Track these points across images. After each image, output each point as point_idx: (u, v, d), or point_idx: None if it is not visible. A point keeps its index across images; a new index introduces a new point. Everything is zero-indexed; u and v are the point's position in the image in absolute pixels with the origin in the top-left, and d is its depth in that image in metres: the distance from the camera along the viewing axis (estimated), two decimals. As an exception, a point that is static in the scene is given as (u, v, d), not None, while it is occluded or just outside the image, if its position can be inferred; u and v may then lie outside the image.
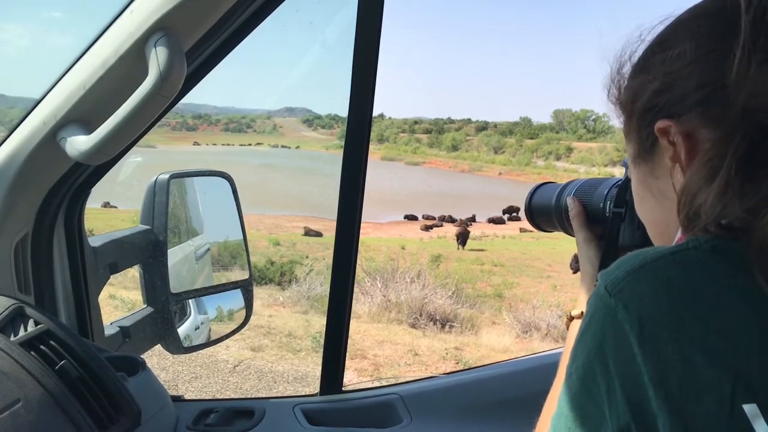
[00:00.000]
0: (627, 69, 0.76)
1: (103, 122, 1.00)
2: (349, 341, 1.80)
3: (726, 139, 0.61)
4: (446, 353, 8.83)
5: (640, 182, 0.79)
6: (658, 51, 0.71)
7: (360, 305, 11.47)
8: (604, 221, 1.02)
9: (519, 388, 1.68)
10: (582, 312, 1.03)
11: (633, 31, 0.75)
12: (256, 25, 1.25)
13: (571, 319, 1.07)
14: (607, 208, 1.01)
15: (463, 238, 27.14)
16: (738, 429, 0.52)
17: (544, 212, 1.20)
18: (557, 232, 1.21)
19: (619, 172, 1.02)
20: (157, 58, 0.95)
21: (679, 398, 0.53)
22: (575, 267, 1.13)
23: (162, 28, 0.96)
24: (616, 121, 0.79)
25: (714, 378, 0.53)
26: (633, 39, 0.75)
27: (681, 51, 0.67)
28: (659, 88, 0.69)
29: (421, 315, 11.16)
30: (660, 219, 0.77)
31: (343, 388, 1.77)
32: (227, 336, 1.86)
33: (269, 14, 1.24)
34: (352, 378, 7.27)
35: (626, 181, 0.96)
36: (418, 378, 1.83)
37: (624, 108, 0.77)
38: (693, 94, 0.65)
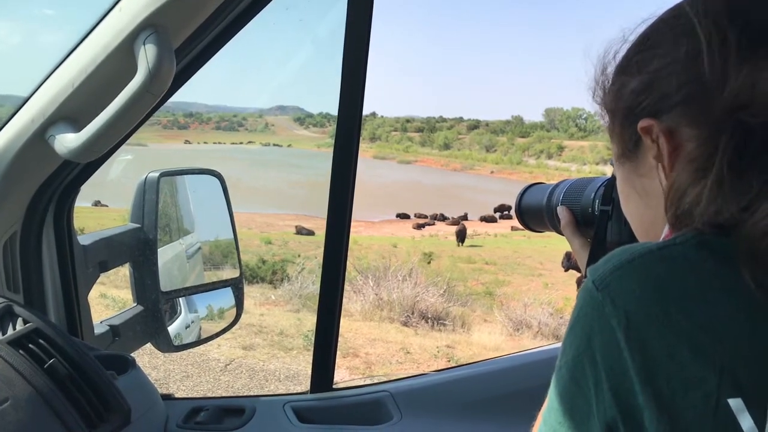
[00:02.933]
0: (611, 69, 0.77)
1: (92, 120, 0.99)
2: (341, 339, 1.79)
3: (711, 138, 0.62)
4: (438, 351, 8.84)
5: (624, 181, 0.80)
6: (639, 51, 0.72)
7: (352, 303, 11.47)
8: (594, 222, 1.03)
9: (509, 385, 1.69)
10: None
11: (616, 31, 0.76)
12: (246, 23, 1.25)
13: None
14: (596, 207, 1.02)
15: (461, 235, 28.06)
16: (723, 423, 0.52)
17: (534, 213, 1.21)
18: (548, 231, 1.21)
19: (611, 170, 1.03)
20: (146, 55, 0.95)
21: (665, 393, 0.54)
22: (566, 265, 1.14)
23: (151, 26, 0.96)
24: (604, 120, 0.80)
25: (700, 373, 0.54)
26: (616, 39, 0.76)
27: (661, 51, 0.68)
28: (641, 87, 0.70)
29: (413, 313, 11.17)
30: (645, 217, 0.78)
31: (333, 386, 1.77)
32: (218, 334, 1.85)
33: (259, 12, 1.23)
34: (344, 376, 7.27)
35: (613, 179, 0.97)
36: (408, 375, 1.83)
37: (608, 108, 0.77)
38: (674, 93, 0.66)
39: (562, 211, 1.10)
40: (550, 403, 0.64)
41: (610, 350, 0.57)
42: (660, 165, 0.69)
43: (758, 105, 0.59)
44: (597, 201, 1.02)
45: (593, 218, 1.03)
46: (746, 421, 0.52)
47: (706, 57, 0.62)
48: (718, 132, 0.61)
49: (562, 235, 1.12)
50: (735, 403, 0.52)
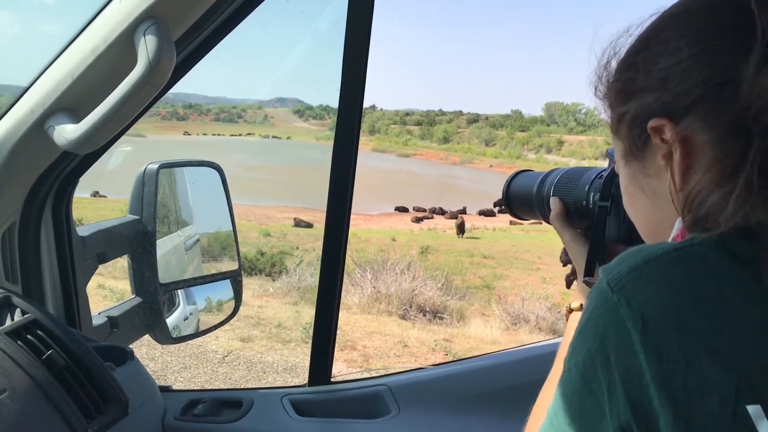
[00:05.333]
0: (614, 64, 0.75)
1: (92, 111, 0.99)
2: (339, 332, 1.80)
3: (733, 142, 0.60)
4: (435, 345, 8.85)
5: (630, 180, 0.77)
6: (648, 47, 0.69)
7: (350, 296, 11.48)
8: (587, 214, 1.01)
9: (507, 380, 1.69)
10: (581, 304, 1.02)
11: (619, 25, 0.74)
12: (246, 15, 1.24)
13: (570, 311, 1.05)
14: (591, 199, 1.00)
15: (461, 227, 29.09)
16: (741, 430, 0.51)
17: (523, 201, 1.18)
18: (536, 220, 1.20)
19: (607, 163, 1.01)
20: (146, 46, 0.94)
21: (681, 398, 0.52)
22: (565, 260, 1.13)
23: (151, 17, 0.95)
24: (605, 115, 0.78)
25: (718, 378, 0.52)
26: (620, 33, 0.74)
27: (673, 48, 0.65)
28: (652, 85, 0.67)
29: (411, 306, 11.18)
30: (652, 217, 0.75)
31: (331, 379, 1.77)
32: (216, 326, 1.86)
33: (259, 4, 1.23)
34: (341, 369, 7.29)
35: (611, 174, 0.95)
36: (406, 369, 1.83)
37: (613, 105, 0.75)
38: (687, 93, 0.63)
39: (554, 202, 1.07)
40: (557, 404, 0.62)
41: (624, 353, 0.56)
42: (669, 165, 0.67)
43: None
44: (592, 194, 0.99)
45: (587, 210, 1.01)
46: (764, 428, 0.50)
47: (724, 57, 0.60)
48: (743, 135, 0.59)
49: (550, 223, 1.10)
50: (753, 410, 0.51)
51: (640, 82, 0.69)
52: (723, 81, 0.61)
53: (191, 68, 1.27)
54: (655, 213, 0.74)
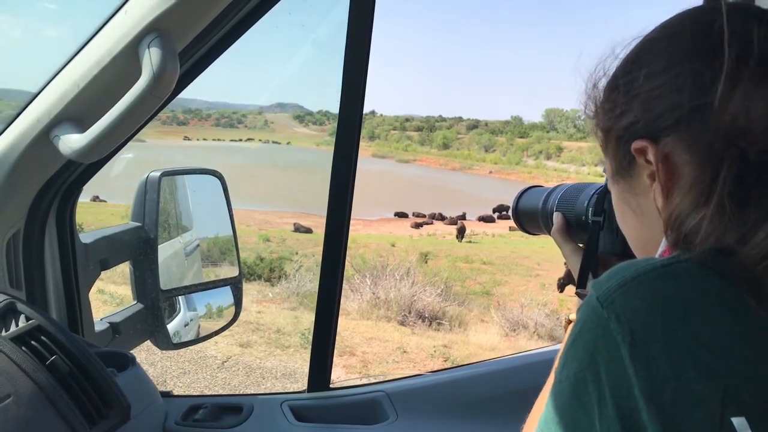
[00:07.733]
0: (602, 85, 0.76)
1: (97, 121, 1.01)
2: (338, 338, 1.81)
3: (710, 165, 0.62)
4: (434, 351, 8.85)
5: (620, 198, 0.79)
6: (631, 69, 0.71)
7: (349, 302, 11.48)
8: (587, 229, 1.04)
9: (505, 386, 1.70)
10: None
11: (607, 46, 0.76)
12: (249, 27, 1.26)
13: (569, 322, 1.07)
14: (589, 214, 1.03)
15: (462, 232, 30.37)
16: None
17: (530, 216, 1.22)
18: (544, 234, 1.23)
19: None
20: (151, 58, 0.96)
21: (670, 411, 0.53)
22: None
23: (156, 29, 0.97)
24: (596, 137, 0.80)
25: (705, 391, 0.53)
26: (606, 54, 0.76)
27: (654, 71, 0.68)
28: (634, 107, 0.69)
29: (410, 312, 11.18)
30: (641, 234, 0.78)
31: (330, 385, 1.79)
32: (216, 332, 1.87)
33: (261, 17, 1.25)
34: (340, 375, 7.29)
35: (603, 189, 0.98)
36: (404, 375, 1.84)
37: (601, 125, 0.77)
38: (668, 114, 0.65)
39: (556, 217, 1.10)
40: (548, 415, 0.63)
41: (614, 367, 0.57)
42: (655, 185, 0.69)
43: (753, 132, 0.59)
44: (590, 209, 1.02)
45: (586, 225, 1.04)
46: None
47: (699, 80, 0.62)
48: (717, 159, 0.61)
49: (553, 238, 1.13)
50: (738, 422, 0.52)
51: (623, 104, 0.71)
52: (699, 104, 0.63)
53: (194, 79, 1.28)
54: (644, 230, 0.76)
